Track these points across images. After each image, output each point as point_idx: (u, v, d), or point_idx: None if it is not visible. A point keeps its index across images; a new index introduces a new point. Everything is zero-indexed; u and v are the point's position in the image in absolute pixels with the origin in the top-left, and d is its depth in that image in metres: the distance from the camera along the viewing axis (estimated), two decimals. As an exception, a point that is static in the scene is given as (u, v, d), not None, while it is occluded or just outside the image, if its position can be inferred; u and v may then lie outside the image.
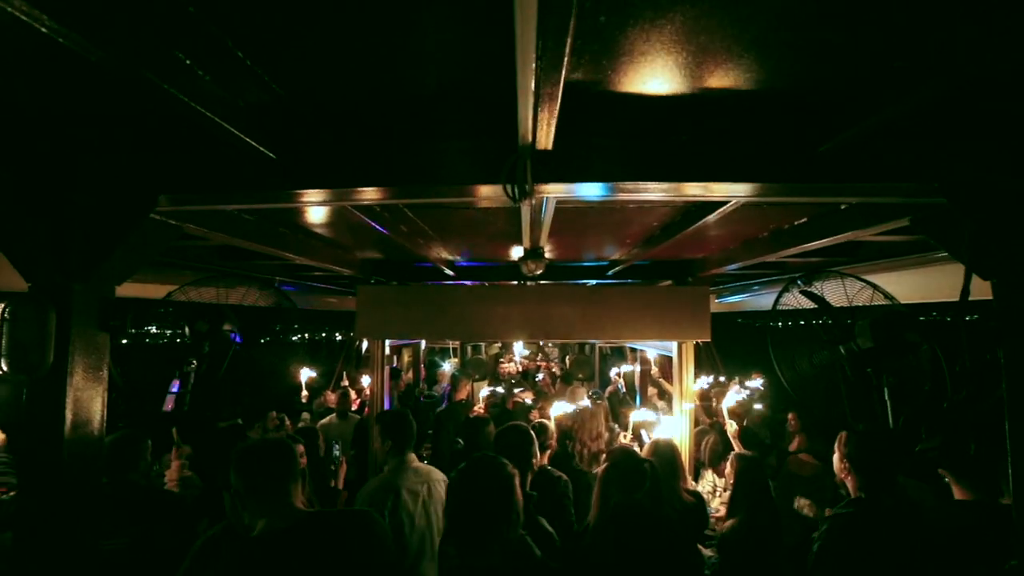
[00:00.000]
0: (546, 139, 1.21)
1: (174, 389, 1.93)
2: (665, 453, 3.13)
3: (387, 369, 4.67)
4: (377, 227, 2.54)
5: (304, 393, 5.78)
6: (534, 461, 2.48)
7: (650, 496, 2.65)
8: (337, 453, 3.22)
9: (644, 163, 1.33)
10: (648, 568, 2.36)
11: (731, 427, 3.65)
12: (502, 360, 9.29)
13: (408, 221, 2.55)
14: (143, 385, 2.04)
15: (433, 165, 1.40)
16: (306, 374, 5.89)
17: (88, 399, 1.47)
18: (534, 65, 0.86)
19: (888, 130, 1.31)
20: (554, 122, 1.13)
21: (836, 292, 2.11)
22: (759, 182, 1.34)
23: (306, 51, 1.06)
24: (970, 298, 1.37)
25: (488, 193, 1.46)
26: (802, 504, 3.06)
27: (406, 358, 8.92)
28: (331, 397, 6.13)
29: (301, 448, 2.82)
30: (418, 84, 1.23)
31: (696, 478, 4.02)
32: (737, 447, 3.59)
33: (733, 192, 1.46)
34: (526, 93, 0.98)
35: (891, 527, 1.90)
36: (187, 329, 2.08)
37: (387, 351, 4.57)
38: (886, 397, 1.78)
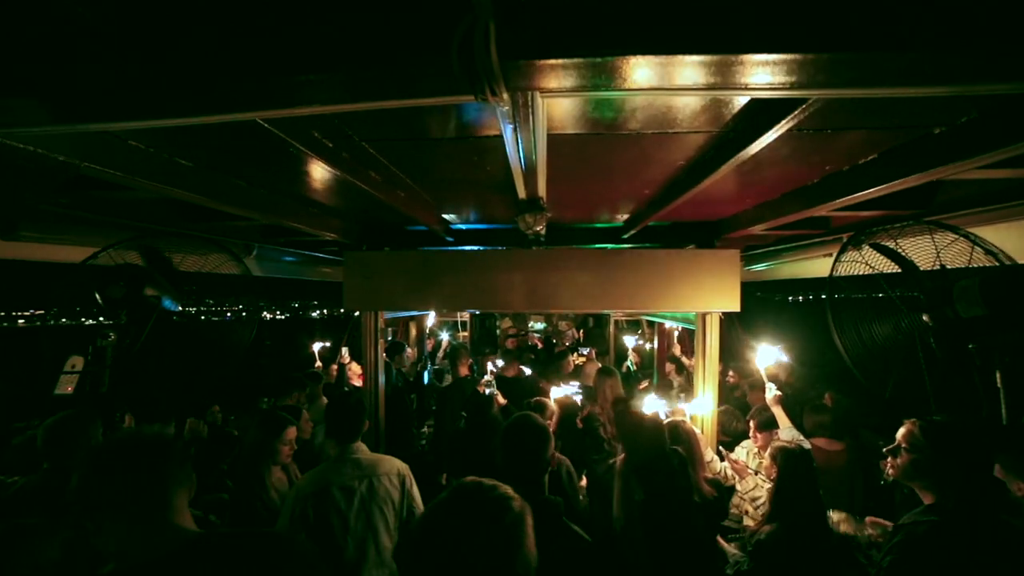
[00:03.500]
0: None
1: (74, 369, 1.55)
2: (680, 439, 2.72)
3: (382, 343, 4.30)
4: (344, 174, 2.10)
5: (318, 364, 5.52)
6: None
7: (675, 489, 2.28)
8: None
9: (675, 21, 0.85)
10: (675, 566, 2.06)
11: (771, 392, 3.20)
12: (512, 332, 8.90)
13: (375, 163, 2.10)
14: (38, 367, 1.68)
15: (351, 37, 0.94)
16: (318, 345, 5.62)
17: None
18: None
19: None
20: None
21: (920, 249, 1.61)
22: (852, 51, 0.85)
23: None
24: None
25: (442, 87, 1.00)
26: (838, 519, 2.59)
27: (412, 332, 8.60)
28: (335, 371, 5.86)
29: (293, 431, 2.47)
30: None
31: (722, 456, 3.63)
32: (780, 416, 3.14)
33: (805, 81, 0.96)
34: None
35: (991, 542, 1.46)
36: (98, 296, 1.70)
37: (381, 324, 4.20)
38: (999, 383, 1.30)
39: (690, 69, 0.91)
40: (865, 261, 1.74)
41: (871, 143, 1.81)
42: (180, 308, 1.93)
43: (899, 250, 1.65)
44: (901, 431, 1.55)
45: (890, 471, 1.60)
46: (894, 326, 1.59)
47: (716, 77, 0.92)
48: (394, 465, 2.28)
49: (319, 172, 2.30)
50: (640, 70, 0.93)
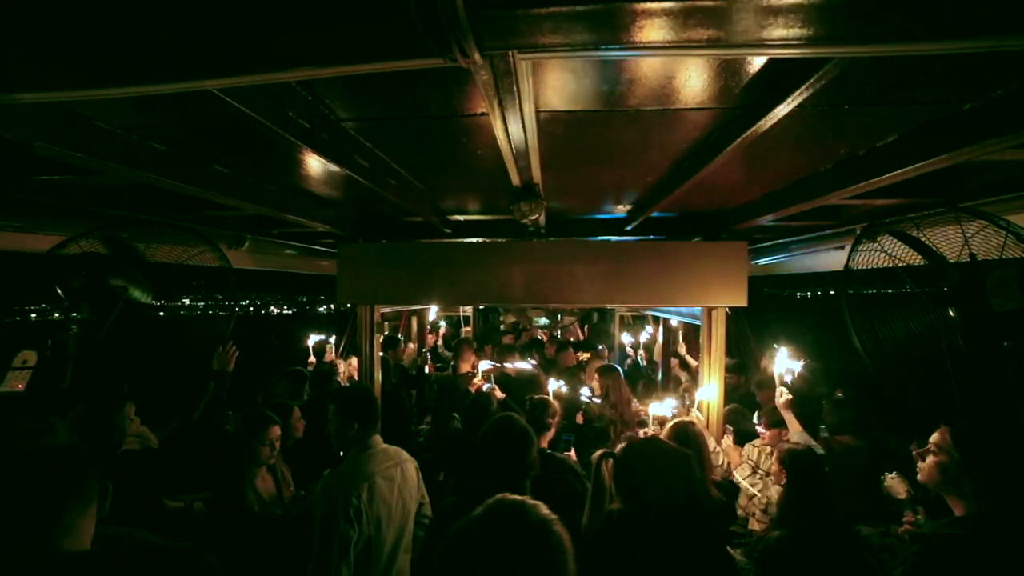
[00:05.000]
0: None
1: (26, 365, 1.45)
2: (687, 441, 2.59)
3: (378, 338, 4.20)
4: (327, 159, 1.98)
5: (311, 359, 5.40)
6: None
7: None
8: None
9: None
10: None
11: (781, 396, 3.06)
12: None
13: (359, 147, 1.98)
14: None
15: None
16: (313, 338, 5.49)
17: None
18: None
19: None
20: None
21: (946, 239, 1.47)
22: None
23: None
24: None
25: (406, 48, 0.88)
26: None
27: (414, 327, 8.50)
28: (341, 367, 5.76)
29: (277, 431, 2.37)
30: None
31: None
32: (790, 421, 3.01)
33: (827, 35, 0.83)
34: None
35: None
36: (57, 288, 1.60)
37: (378, 318, 4.09)
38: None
39: (695, 20, 0.78)
40: (885, 251, 1.60)
41: (891, 122, 1.66)
42: (152, 300, 1.82)
43: (923, 239, 1.51)
44: (934, 436, 1.44)
45: (919, 476, 1.49)
46: (916, 322, 1.45)
47: (726, 29, 0.79)
48: (405, 453, 2.31)
49: (302, 157, 2.18)
50: (637, 21, 0.80)
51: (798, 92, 1.26)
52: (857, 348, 1.55)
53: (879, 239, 1.65)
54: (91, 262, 1.65)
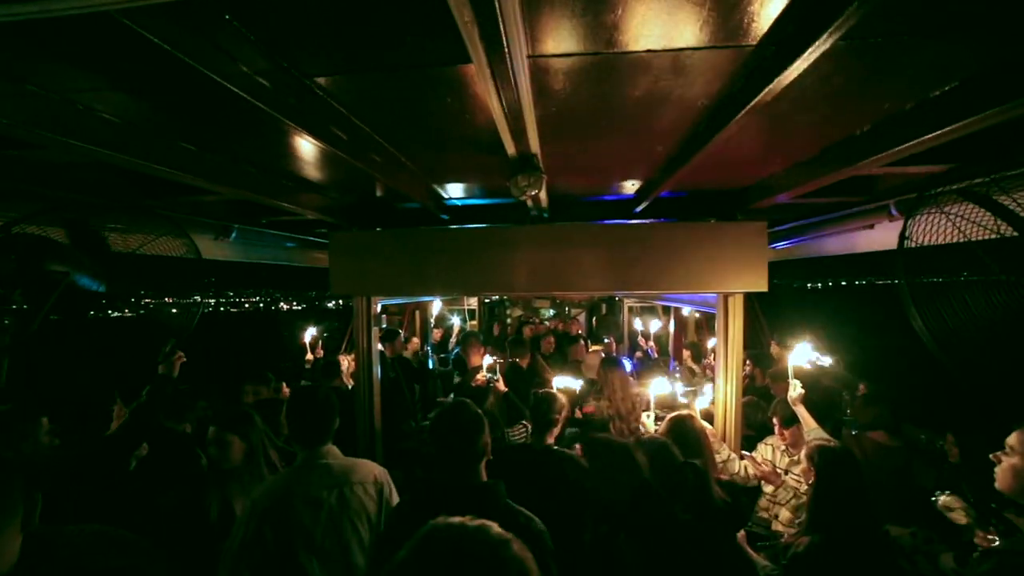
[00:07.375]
0: None
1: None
2: (686, 436, 2.37)
3: (376, 331, 3.98)
4: (298, 129, 1.75)
5: (308, 356, 5.19)
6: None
7: (692, 507, 1.94)
8: None
9: None
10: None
11: (795, 389, 2.81)
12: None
13: (333, 114, 1.75)
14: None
15: None
16: (309, 333, 5.29)
17: None
18: None
19: None
20: None
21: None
22: None
23: None
24: None
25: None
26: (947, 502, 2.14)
27: (417, 321, 8.28)
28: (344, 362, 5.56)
29: (224, 436, 2.10)
30: None
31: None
32: (804, 417, 2.77)
33: None
34: None
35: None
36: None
37: (375, 310, 3.87)
38: None
39: None
40: (957, 213, 1.34)
41: (955, 61, 1.40)
42: (105, 291, 1.62)
43: (1009, 203, 1.25)
44: (1011, 436, 1.22)
45: (996, 483, 1.28)
46: (995, 299, 1.21)
47: None
48: (370, 471, 1.96)
49: (272, 130, 1.96)
50: None
51: (846, 16, 1.01)
52: (920, 331, 1.30)
53: (943, 205, 1.39)
54: (20, 244, 1.45)
